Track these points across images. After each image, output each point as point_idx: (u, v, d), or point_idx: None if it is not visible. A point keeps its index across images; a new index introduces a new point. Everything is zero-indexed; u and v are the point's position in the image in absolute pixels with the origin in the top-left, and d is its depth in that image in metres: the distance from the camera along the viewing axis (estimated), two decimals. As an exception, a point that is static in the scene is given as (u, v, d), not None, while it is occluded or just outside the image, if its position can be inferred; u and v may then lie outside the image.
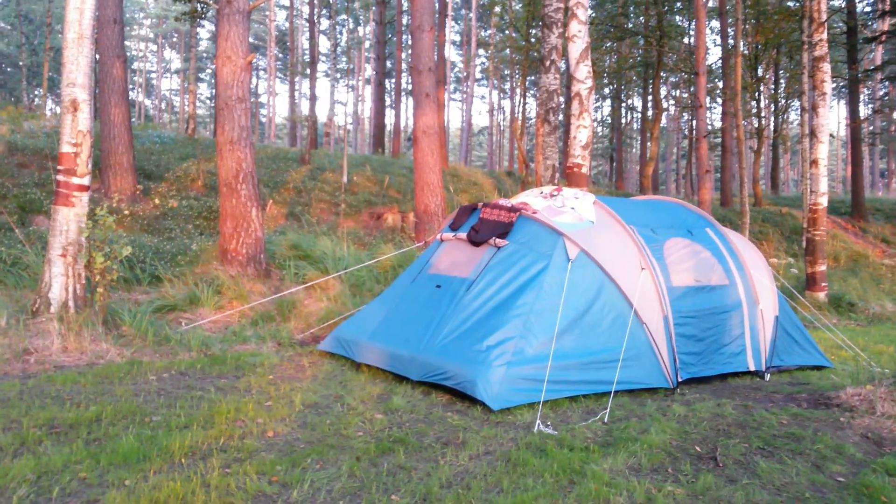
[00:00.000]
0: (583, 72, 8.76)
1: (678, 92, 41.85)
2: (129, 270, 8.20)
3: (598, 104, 42.57)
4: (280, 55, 53.62)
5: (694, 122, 28.82)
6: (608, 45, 26.71)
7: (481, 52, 42.56)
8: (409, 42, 29.26)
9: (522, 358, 4.79)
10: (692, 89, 26.67)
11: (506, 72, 43.06)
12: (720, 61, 25.94)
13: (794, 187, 51.30)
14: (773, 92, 29.22)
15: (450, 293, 5.55)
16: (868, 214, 22.98)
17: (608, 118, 43.45)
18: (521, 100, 29.98)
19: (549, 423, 4.37)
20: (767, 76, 27.93)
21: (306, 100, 49.24)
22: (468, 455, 3.74)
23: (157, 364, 5.55)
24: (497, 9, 29.59)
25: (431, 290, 5.77)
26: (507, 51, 35.53)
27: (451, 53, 46.21)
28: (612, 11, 26.11)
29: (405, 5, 31.89)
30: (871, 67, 28.37)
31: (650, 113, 29.71)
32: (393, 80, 32.81)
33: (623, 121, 39.11)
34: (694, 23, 20.61)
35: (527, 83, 32.13)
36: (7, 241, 8.62)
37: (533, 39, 23.38)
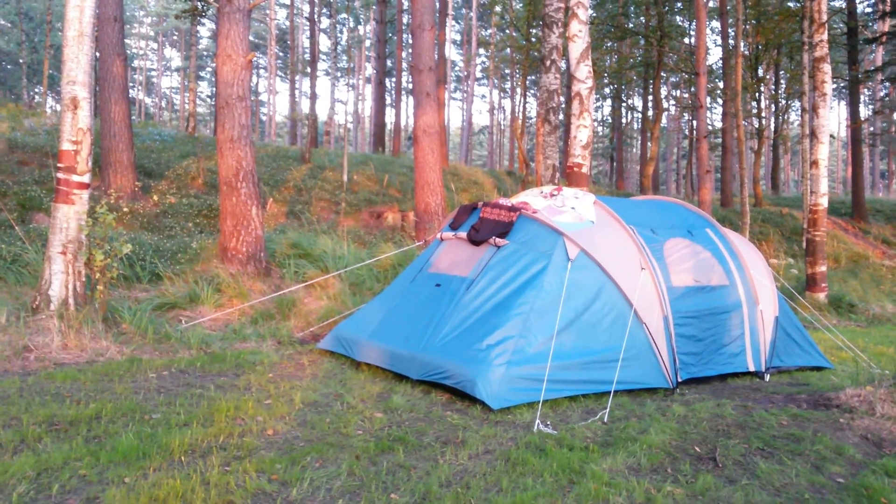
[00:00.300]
0: (583, 71, 8.77)
1: (679, 92, 41.90)
2: (129, 268, 8.21)
3: (599, 104, 42.55)
4: (280, 54, 53.61)
5: (694, 123, 28.84)
6: (609, 44, 26.73)
7: (482, 51, 42.53)
8: (410, 41, 29.20)
9: (522, 357, 4.78)
10: (692, 89, 26.69)
11: (506, 71, 43.09)
12: (721, 61, 25.99)
13: (794, 188, 51.34)
14: (773, 92, 29.24)
15: (450, 292, 5.54)
16: (868, 215, 23.00)
17: (608, 118, 43.49)
18: (522, 99, 30.02)
19: (548, 422, 4.37)
20: (768, 77, 27.96)
21: (307, 98, 49.38)
22: (468, 454, 3.74)
23: (157, 362, 5.55)
24: (498, 8, 29.59)
25: (431, 289, 5.77)
26: (508, 50, 35.57)
27: (452, 53, 46.19)
28: (612, 11, 26.11)
29: (406, 4, 31.88)
30: (872, 68, 28.39)
31: (650, 113, 29.72)
32: (393, 79, 32.83)
33: (623, 121, 39.14)
34: (694, 23, 20.63)
35: (527, 83, 32.16)
36: (7, 239, 8.63)
37: (533, 39, 23.40)
